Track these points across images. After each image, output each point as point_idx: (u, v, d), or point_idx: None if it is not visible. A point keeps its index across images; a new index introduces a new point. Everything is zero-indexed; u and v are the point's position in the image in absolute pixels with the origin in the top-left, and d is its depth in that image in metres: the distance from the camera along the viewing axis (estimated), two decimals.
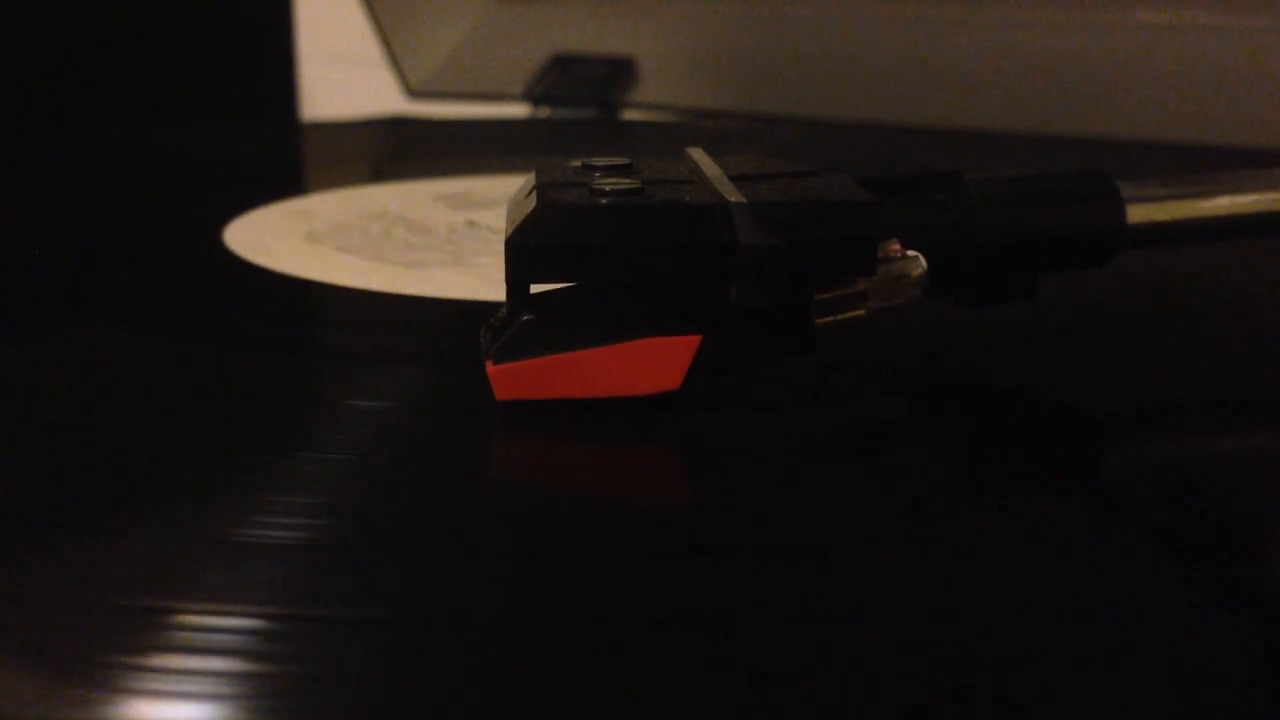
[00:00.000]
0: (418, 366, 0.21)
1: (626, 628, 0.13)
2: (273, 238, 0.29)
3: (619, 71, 0.57)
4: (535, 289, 0.18)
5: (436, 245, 0.29)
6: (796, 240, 0.17)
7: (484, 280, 0.25)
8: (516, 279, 0.18)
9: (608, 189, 0.17)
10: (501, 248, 0.17)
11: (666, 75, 0.57)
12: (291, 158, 0.47)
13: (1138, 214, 0.20)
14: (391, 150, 0.50)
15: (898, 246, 0.18)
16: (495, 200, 0.34)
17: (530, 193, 0.18)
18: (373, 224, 0.31)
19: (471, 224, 0.31)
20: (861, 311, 0.18)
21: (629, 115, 0.57)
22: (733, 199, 0.17)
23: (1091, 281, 0.21)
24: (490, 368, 0.18)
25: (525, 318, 0.18)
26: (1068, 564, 0.14)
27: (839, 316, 0.18)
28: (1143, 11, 0.47)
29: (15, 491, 0.16)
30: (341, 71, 0.64)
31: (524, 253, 0.17)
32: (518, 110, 0.58)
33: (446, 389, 0.20)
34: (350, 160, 0.46)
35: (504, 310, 0.18)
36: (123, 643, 0.12)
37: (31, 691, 0.12)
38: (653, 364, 0.17)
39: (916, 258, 0.18)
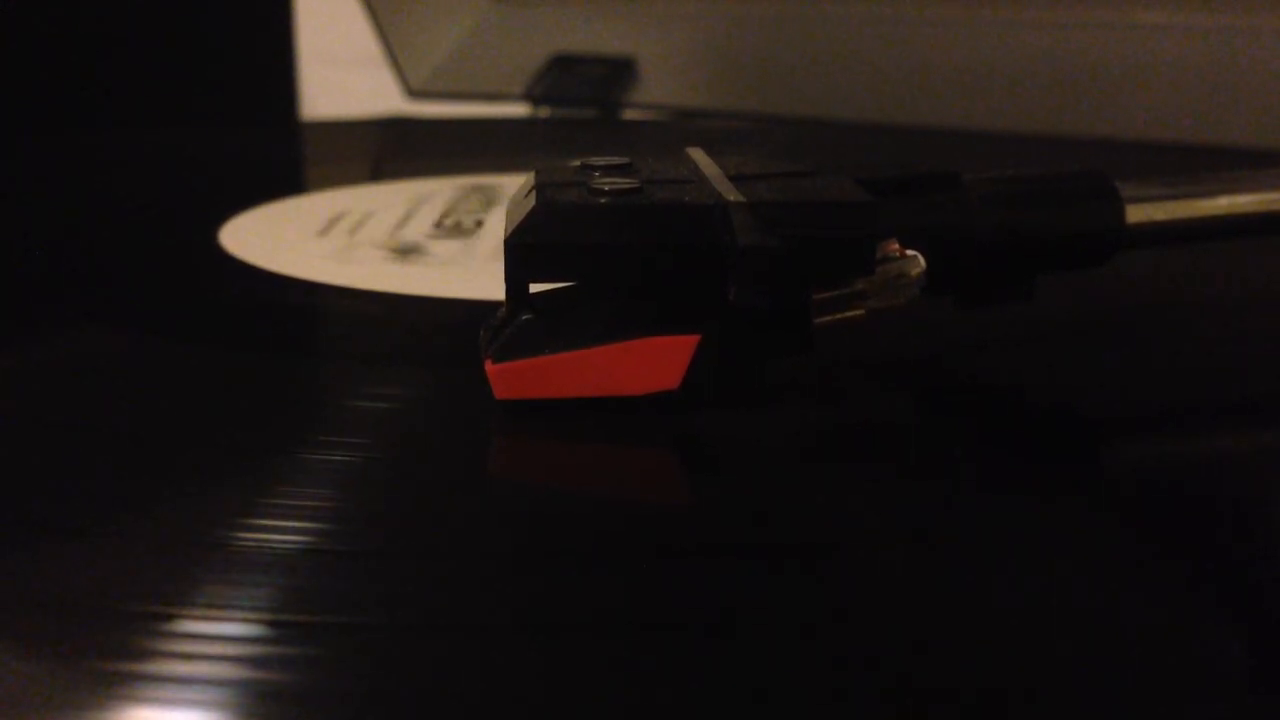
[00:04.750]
0: (417, 366, 0.21)
1: (626, 628, 0.13)
2: (271, 237, 0.29)
3: (619, 71, 0.57)
4: (534, 288, 0.18)
5: (436, 245, 0.28)
6: (795, 240, 0.17)
7: (489, 278, 0.25)
8: (516, 278, 0.18)
9: (607, 188, 0.17)
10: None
11: (666, 75, 0.57)
12: (291, 158, 0.47)
13: (1137, 214, 0.20)
14: (391, 150, 0.50)
15: (896, 246, 0.18)
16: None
17: (529, 192, 0.18)
18: (372, 223, 0.31)
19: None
20: (860, 311, 0.18)
21: (629, 115, 0.57)
22: (732, 199, 0.17)
23: (1091, 281, 0.21)
24: (489, 367, 0.18)
25: (524, 317, 0.18)
26: (1068, 564, 0.14)
27: (838, 316, 0.18)
28: (1143, 11, 0.47)
29: (15, 491, 0.16)
30: (341, 71, 0.64)
31: (523, 252, 0.17)
32: (518, 110, 0.58)
33: (446, 389, 0.20)
34: (350, 160, 0.46)
35: (503, 309, 0.18)
36: (121, 646, 0.12)
37: (30, 694, 0.12)
38: (651, 363, 0.17)
39: (915, 257, 0.18)
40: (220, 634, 0.12)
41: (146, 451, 0.17)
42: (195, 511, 0.15)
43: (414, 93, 0.61)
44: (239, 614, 0.13)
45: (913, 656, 0.12)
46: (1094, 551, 0.15)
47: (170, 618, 0.13)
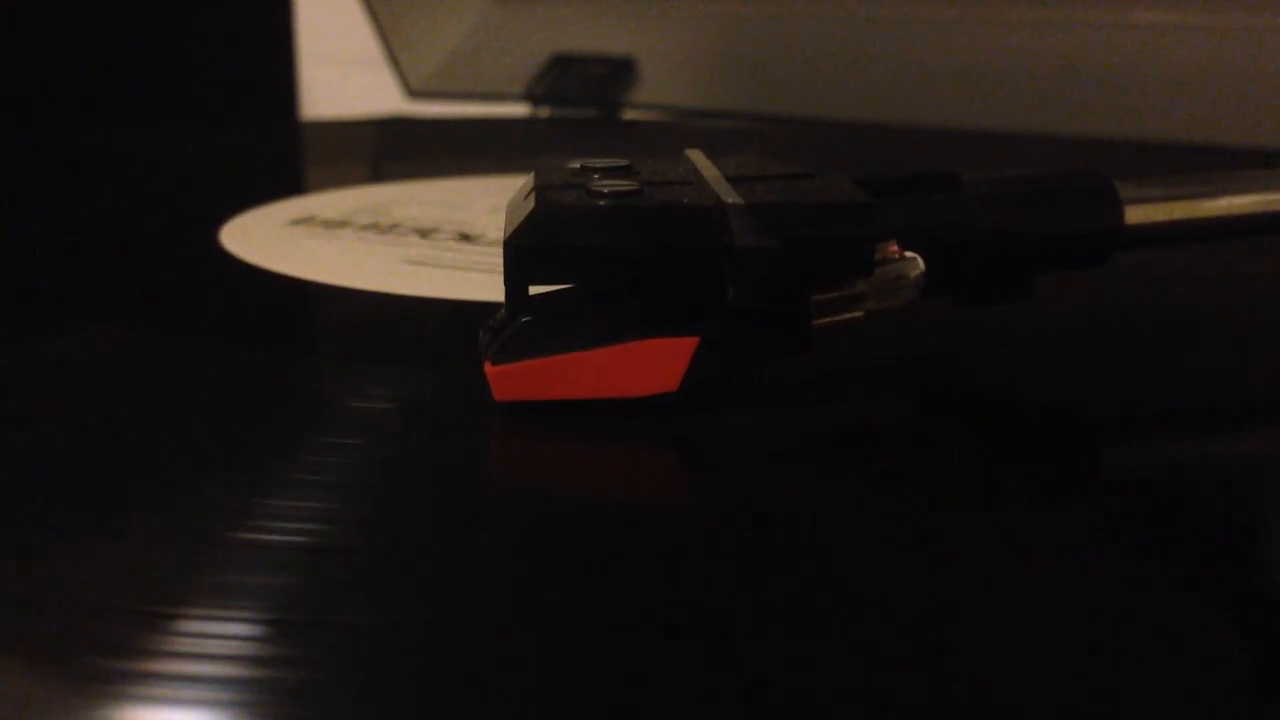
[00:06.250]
0: (417, 366, 0.21)
1: (625, 628, 0.13)
2: (272, 237, 0.29)
3: (619, 71, 0.57)
4: (534, 290, 0.18)
5: (436, 245, 0.29)
6: (793, 241, 0.17)
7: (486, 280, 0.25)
8: (515, 280, 0.18)
9: (606, 190, 0.17)
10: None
11: (666, 75, 0.57)
12: (291, 158, 0.47)
13: (1136, 214, 0.20)
14: (391, 150, 0.50)
15: (895, 248, 0.18)
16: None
17: (529, 194, 0.18)
18: (372, 224, 0.31)
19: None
20: (859, 313, 0.18)
21: (629, 115, 0.57)
22: (730, 200, 0.17)
23: (1090, 281, 0.21)
24: (489, 368, 0.18)
25: (524, 319, 0.18)
26: (1067, 564, 0.14)
27: (837, 317, 0.18)
28: (1143, 11, 0.47)
29: (15, 491, 0.16)
30: (341, 71, 0.64)
31: (522, 254, 0.17)
32: (518, 110, 0.58)
33: (446, 390, 0.20)
34: (350, 160, 0.46)
35: (503, 311, 0.18)
36: (121, 645, 0.12)
37: (31, 694, 0.12)
38: (651, 365, 0.17)
39: (914, 259, 0.18)
40: (219, 633, 0.12)
41: (146, 451, 0.17)
42: (195, 511, 0.15)
43: (414, 93, 0.61)
44: (238, 613, 0.13)
45: (912, 657, 0.12)
46: (1094, 551, 0.15)
47: (170, 617, 0.13)
